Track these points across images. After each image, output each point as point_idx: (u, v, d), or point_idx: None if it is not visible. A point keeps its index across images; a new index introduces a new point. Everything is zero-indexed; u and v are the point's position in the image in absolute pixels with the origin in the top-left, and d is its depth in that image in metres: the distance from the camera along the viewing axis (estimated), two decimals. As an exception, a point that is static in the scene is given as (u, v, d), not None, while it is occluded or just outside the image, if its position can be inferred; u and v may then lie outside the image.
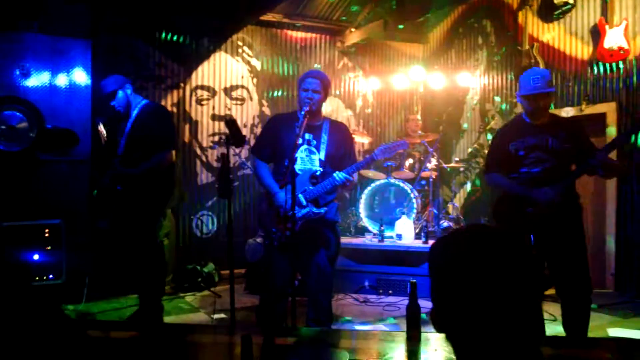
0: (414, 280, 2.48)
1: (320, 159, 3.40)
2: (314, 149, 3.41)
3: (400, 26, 6.66)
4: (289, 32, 7.00)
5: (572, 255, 3.26)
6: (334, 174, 3.29)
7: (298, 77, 6.97)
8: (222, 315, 4.42)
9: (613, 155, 5.16)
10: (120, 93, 3.97)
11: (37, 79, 4.79)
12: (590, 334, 3.83)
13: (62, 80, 4.93)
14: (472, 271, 1.00)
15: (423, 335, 2.39)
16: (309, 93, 3.33)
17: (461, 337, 1.04)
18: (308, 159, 3.39)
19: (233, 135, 2.98)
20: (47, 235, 4.57)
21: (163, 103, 6.17)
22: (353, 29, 7.18)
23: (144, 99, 4.16)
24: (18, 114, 4.55)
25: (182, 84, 6.31)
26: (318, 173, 3.36)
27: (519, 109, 6.42)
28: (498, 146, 3.49)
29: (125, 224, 4.02)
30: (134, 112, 4.01)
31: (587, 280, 3.29)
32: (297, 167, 3.33)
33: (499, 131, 3.71)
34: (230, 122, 2.99)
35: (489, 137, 6.72)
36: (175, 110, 6.25)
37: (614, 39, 5.22)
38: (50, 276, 4.53)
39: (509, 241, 1.03)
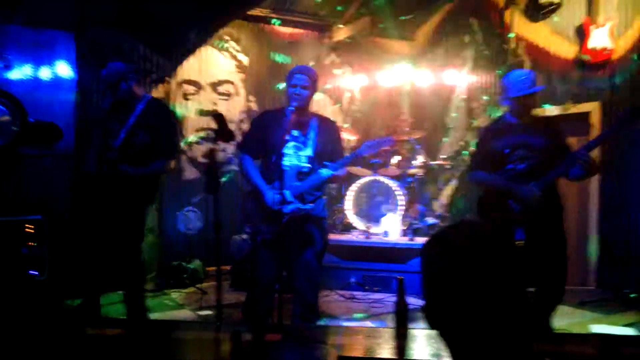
0: (402, 277, 2.48)
1: (307, 155, 3.39)
2: (301, 145, 3.39)
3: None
4: (277, 27, 6.97)
5: (552, 254, 3.32)
6: (320, 170, 3.28)
7: (285, 72, 6.96)
8: (208, 312, 4.40)
9: (597, 151, 5.27)
10: (123, 84, 3.74)
11: (19, 72, 4.71)
12: (574, 331, 3.89)
13: (45, 73, 4.85)
14: (463, 267, 1.00)
15: (411, 331, 2.40)
16: (297, 89, 3.32)
17: (453, 333, 1.04)
18: (295, 155, 3.38)
19: (221, 130, 2.95)
20: (28, 231, 4.49)
21: (148, 97, 6.10)
22: (341, 25, 7.17)
23: (147, 93, 3.97)
24: (0, 106, 4.45)
25: (167, 78, 6.23)
26: (305, 169, 3.35)
27: (504, 107, 6.45)
28: (483, 145, 3.58)
29: (105, 222, 3.78)
30: (140, 106, 3.78)
31: (563, 279, 3.39)
32: (285, 163, 3.32)
33: (483, 131, 3.81)
34: (218, 117, 2.96)
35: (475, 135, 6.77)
36: (160, 104, 6.18)
37: (599, 39, 5.27)
38: (32, 272, 4.46)
39: (498, 237, 1.03)
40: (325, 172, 3.24)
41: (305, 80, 3.34)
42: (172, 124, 3.97)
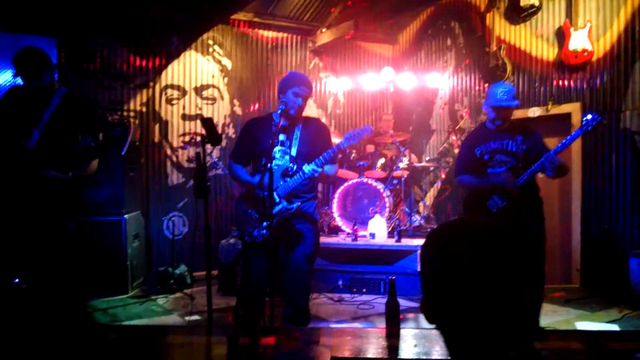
0: (393, 277, 2.51)
1: (291, 155, 3.40)
2: (287, 149, 3.42)
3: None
4: (260, 32, 6.97)
5: (532, 243, 3.62)
6: (303, 167, 3.29)
7: (269, 76, 6.97)
8: (196, 317, 4.37)
9: (578, 153, 5.39)
10: (47, 75, 3.24)
11: (0, 78, 4.65)
12: (560, 328, 3.95)
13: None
14: (461, 261, 1.01)
15: (402, 331, 2.42)
16: (299, 99, 3.35)
17: (451, 327, 1.05)
18: (281, 157, 3.40)
19: (209, 134, 2.95)
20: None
21: (132, 102, 6.06)
22: (324, 29, 7.20)
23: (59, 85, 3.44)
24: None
25: (151, 83, 6.20)
26: (290, 170, 3.36)
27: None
28: (465, 152, 3.94)
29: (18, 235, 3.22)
30: (56, 100, 3.26)
31: (543, 270, 3.73)
32: (272, 165, 3.32)
33: (466, 138, 4.15)
34: (207, 121, 2.96)
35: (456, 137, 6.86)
36: (144, 109, 6.14)
37: (578, 41, 5.38)
38: (16, 280, 4.39)
39: (496, 233, 1.05)
40: (307, 168, 3.25)
41: (307, 93, 3.42)
42: (96, 120, 3.45)
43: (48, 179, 3.19)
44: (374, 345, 2.30)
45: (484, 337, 1.01)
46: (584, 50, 5.34)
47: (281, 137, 3.40)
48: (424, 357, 2.15)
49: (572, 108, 5.56)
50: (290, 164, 3.39)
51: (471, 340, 1.03)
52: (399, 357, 2.19)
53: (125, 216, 5.22)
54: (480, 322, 1.01)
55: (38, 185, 3.18)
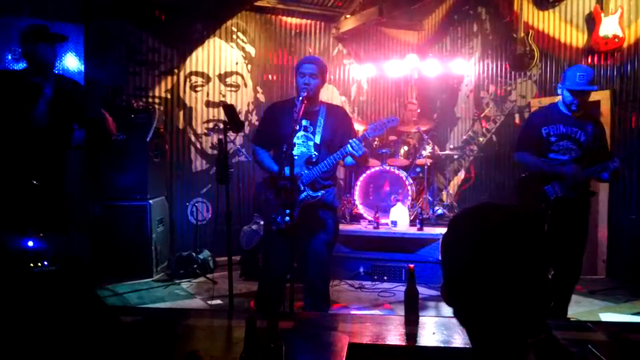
0: (413, 265, 2.50)
1: (315, 143, 3.39)
2: (310, 135, 3.41)
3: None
4: (284, 18, 6.96)
5: (576, 236, 3.65)
6: (328, 157, 3.30)
7: (292, 63, 6.96)
8: (219, 302, 4.44)
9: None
10: (54, 53, 3.16)
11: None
12: (583, 319, 3.90)
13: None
14: (483, 247, 1.01)
15: (421, 319, 2.42)
16: (305, 78, 3.32)
17: (470, 311, 1.05)
18: (304, 144, 3.39)
19: (231, 120, 2.97)
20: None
21: (157, 89, 6.13)
22: (348, 15, 7.15)
23: None
24: None
25: (175, 70, 6.25)
26: (314, 157, 3.36)
27: (512, 97, 6.44)
28: (531, 128, 3.78)
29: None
30: (51, 82, 3.14)
31: (580, 261, 3.71)
32: (294, 152, 3.32)
33: (533, 114, 4.05)
34: (229, 108, 2.98)
35: (483, 124, 6.77)
36: (169, 96, 6.21)
37: (609, 27, 5.24)
38: (45, 263, 4.50)
39: (518, 218, 1.04)
40: (330, 159, 3.27)
41: (314, 70, 3.34)
42: (84, 90, 3.42)
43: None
44: (393, 332, 2.30)
45: (501, 323, 1.02)
46: (615, 37, 5.20)
47: (304, 122, 3.39)
48: (443, 345, 2.15)
49: (602, 96, 5.43)
50: (314, 152, 3.38)
51: (489, 326, 1.03)
52: (417, 344, 2.20)
53: (150, 201, 5.31)
54: (498, 308, 1.01)
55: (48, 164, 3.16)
